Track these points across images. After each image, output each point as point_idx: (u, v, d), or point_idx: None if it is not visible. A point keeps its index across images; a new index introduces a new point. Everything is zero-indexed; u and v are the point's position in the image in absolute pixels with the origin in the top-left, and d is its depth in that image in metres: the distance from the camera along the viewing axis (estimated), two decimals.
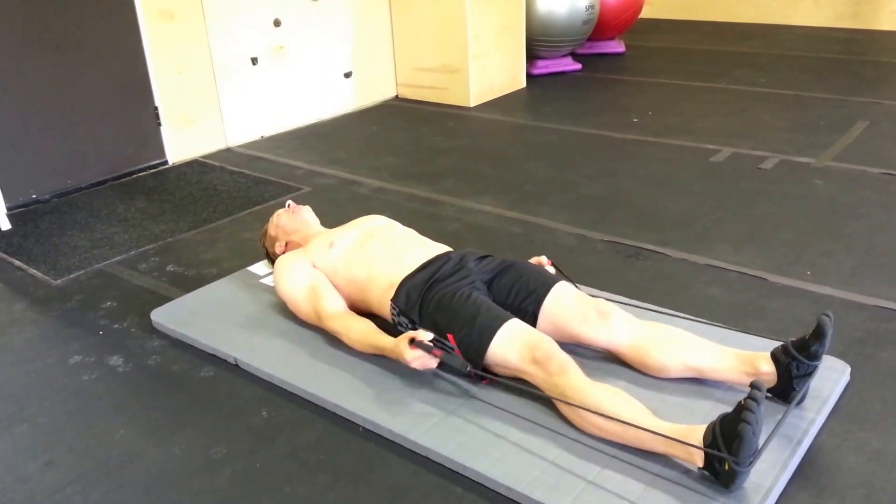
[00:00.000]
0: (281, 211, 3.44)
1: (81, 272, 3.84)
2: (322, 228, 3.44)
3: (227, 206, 4.55)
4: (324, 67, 6.19)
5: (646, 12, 8.61)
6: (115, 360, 3.09)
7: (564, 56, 7.19)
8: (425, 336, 2.62)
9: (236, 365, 2.99)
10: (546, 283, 2.81)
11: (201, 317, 3.28)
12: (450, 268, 2.88)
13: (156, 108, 5.19)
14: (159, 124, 5.23)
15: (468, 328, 2.63)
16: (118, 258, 3.96)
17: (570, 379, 2.42)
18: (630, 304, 2.99)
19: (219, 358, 3.04)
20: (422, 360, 2.62)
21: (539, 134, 5.57)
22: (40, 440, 2.68)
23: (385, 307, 2.92)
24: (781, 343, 2.47)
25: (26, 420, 2.78)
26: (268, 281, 3.50)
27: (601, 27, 7.26)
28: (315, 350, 2.99)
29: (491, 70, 6.43)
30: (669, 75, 6.86)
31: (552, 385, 2.45)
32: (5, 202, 4.48)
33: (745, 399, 2.10)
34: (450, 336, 2.67)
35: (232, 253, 3.96)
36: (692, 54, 7.60)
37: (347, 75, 6.36)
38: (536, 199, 4.40)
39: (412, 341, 2.60)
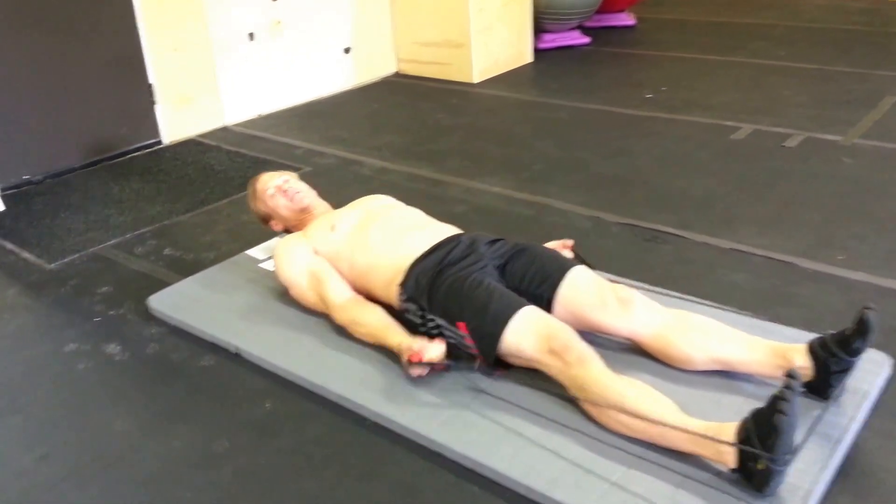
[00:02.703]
0: (273, 186, 3.21)
1: (76, 256, 3.70)
2: (323, 207, 3.27)
3: (224, 187, 4.40)
4: (322, 43, 6.02)
5: None
6: (112, 348, 2.97)
7: (572, 29, 7.01)
8: (434, 352, 2.51)
9: (237, 354, 2.86)
10: (561, 268, 2.67)
11: (200, 303, 3.15)
12: (460, 252, 2.74)
13: (150, 86, 5.04)
14: (154, 103, 5.08)
15: (480, 316, 2.49)
16: (113, 241, 3.82)
17: (591, 371, 2.29)
18: (651, 291, 2.84)
19: (219, 346, 2.91)
20: (421, 374, 2.55)
21: (547, 111, 5.41)
22: (35, 432, 2.56)
23: (391, 292, 2.79)
24: (818, 336, 2.33)
25: (20, 411, 2.66)
26: (268, 266, 3.36)
27: None
28: (320, 338, 2.86)
29: (495, 44, 6.26)
30: (683, 48, 6.68)
31: (571, 377, 2.32)
32: None
33: (779, 389, 1.97)
34: (461, 324, 2.54)
35: (230, 236, 3.82)
36: (705, 27, 7.42)
37: (347, 51, 6.20)
38: (547, 180, 4.26)
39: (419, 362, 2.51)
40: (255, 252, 3.51)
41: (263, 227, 3.33)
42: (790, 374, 1.98)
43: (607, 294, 2.58)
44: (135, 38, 4.90)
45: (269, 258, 3.38)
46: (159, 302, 3.18)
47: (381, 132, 5.23)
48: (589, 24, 7.31)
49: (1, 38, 4.39)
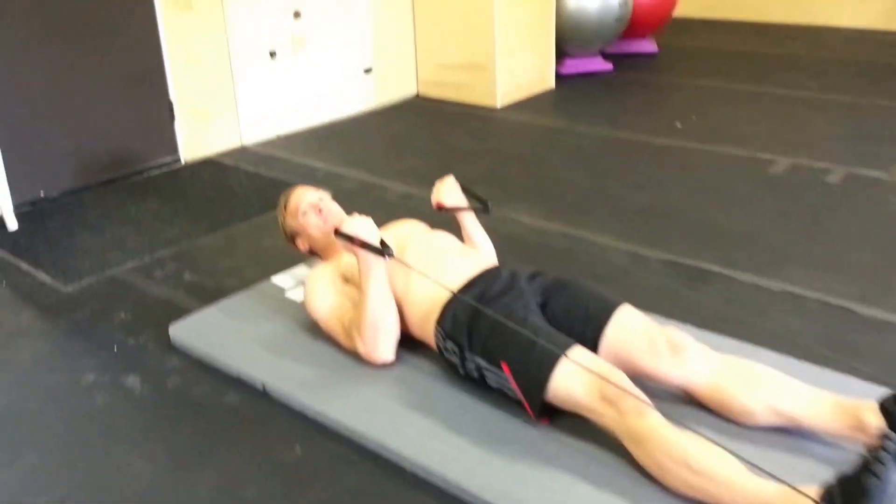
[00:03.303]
0: (307, 202, 3.04)
1: (93, 278, 3.56)
2: None
3: (244, 209, 4.26)
4: (343, 62, 5.90)
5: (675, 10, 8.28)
6: (132, 381, 2.82)
7: (594, 55, 6.89)
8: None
9: (264, 391, 2.71)
10: (607, 307, 2.53)
11: (224, 333, 3.01)
12: (500, 286, 2.60)
13: (170, 103, 4.90)
14: (173, 119, 4.94)
15: (525, 356, 2.34)
16: (131, 264, 3.68)
17: (649, 422, 2.13)
18: (700, 333, 2.68)
19: (244, 381, 2.76)
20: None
21: (574, 138, 5.28)
22: (52, 472, 2.41)
23: (427, 329, 2.65)
24: (891, 393, 2.17)
25: (36, 447, 2.52)
26: (294, 295, 3.22)
27: (632, 25, 6.95)
28: (354, 377, 2.71)
29: (519, 68, 6.14)
30: (708, 77, 6.55)
31: (626, 428, 2.16)
32: (13, 200, 4.18)
33: (873, 449, 1.81)
34: (504, 365, 2.39)
35: (252, 261, 3.68)
36: (729, 55, 7.29)
37: (367, 71, 6.07)
38: (579, 210, 4.12)
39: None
40: (281, 280, 3.37)
41: (287, 244, 3.15)
42: (888, 437, 1.82)
43: (657, 338, 2.43)
44: (157, 52, 4.78)
45: (297, 287, 3.24)
46: (181, 331, 3.04)
47: (404, 156, 5.10)
48: (610, 50, 7.20)
49: (19, 51, 4.27)
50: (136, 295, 3.42)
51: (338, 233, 2.58)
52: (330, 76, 5.81)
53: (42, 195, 4.45)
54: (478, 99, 6.11)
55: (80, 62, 4.51)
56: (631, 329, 2.47)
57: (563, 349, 2.30)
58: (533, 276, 2.69)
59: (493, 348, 2.43)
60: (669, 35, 7.73)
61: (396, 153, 5.18)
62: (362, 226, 2.60)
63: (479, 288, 2.60)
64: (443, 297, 2.61)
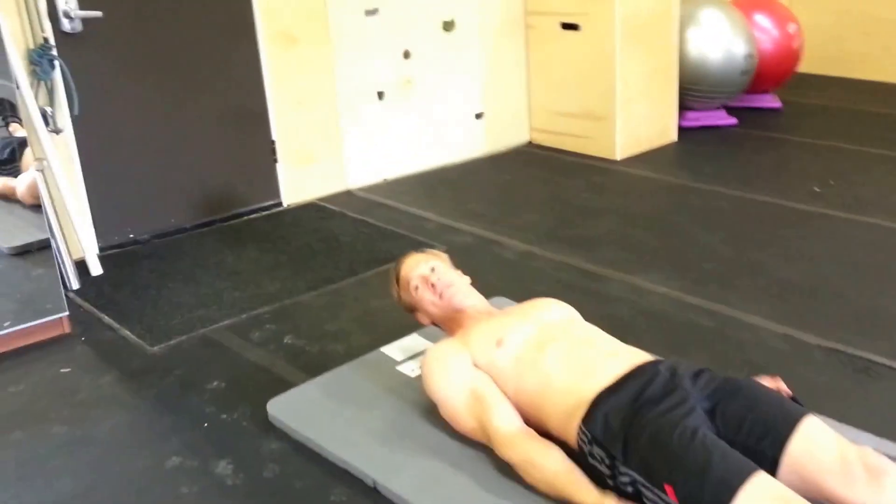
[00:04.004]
0: (418, 276, 2.66)
1: (183, 338, 3.22)
2: (479, 302, 2.71)
3: (350, 262, 3.89)
4: (453, 106, 5.53)
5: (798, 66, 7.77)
6: (223, 467, 2.45)
7: (717, 108, 6.43)
8: None
9: (375, 488, 2.32)
10: (789, 418, 2.08)
11: (330, 415, 2.62)
12: (660, 386, 2.17)
13: (273, 143, 4.58)
14: (276, 161, 4.61)
15: (696, 481, 1.92)
16: (227, 322, 3.34)
17: None
18: (880, 442, 2.22)
19: (353, 475, 2.37)
20: None
21: (704, 198, 4.82)
22: None
23: (568, 430, 2.23)
24: None
25: None
26: (407, 369, 2.83)
27: (756, 78, 6.48)
28: (480, 477, 2.30)
29: (639, 119, 5.70)
30: (839, 138, 6.01)
31: None
32: (98, 242, 3.87)
33: None
34: (668, 487, 1.96)
35: (360, 325, 3.31)
36: (859, 115, 6.74)
37: (479, 116, 5.70)
38: (721, 282, 3.66)
39: None
40: (392, 351, 2.98)
41: (407, 314, 2.77)
42: None
43: (852, 459, 1.97)
44: (259, 90, 4.48)
45: (410, 359, 2.85)
46: (281, 409, 2.67)
47: (521, 209, 4.70)
48: (732, 104, 6.73)
49: (115, 81, 3.99)
50: (231, 360, 3.06)
51: None
52: (439, 119, 5.45)
53: (131, 237, 4.12)
54: (595, 150, 5.68)
55: (179, 97, 4.22)
56: (820, 446, 2.02)
57: (743, 476, 1.88)
58: (697, 374, 2.25)
59: (655, 466, 2.01)
60: (793, 91, 7.21)
61: (512, 206, 4.78)
62: None
63: (635, 386, 2.18)
64: (589, 393, 2.20)
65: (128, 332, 3.25)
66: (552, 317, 2.55)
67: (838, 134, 6.11)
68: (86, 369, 3.03)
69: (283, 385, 2.81)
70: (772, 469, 2.00)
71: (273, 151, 4.59)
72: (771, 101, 6.96)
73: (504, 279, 3.62)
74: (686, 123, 6.28)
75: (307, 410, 2.65)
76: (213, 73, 4.31)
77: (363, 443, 2.47)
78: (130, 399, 2.84)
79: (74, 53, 3.80)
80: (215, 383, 2.90)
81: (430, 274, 2.65)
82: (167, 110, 4.19)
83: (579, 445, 2.21)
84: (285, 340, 3.19)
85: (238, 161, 4.50)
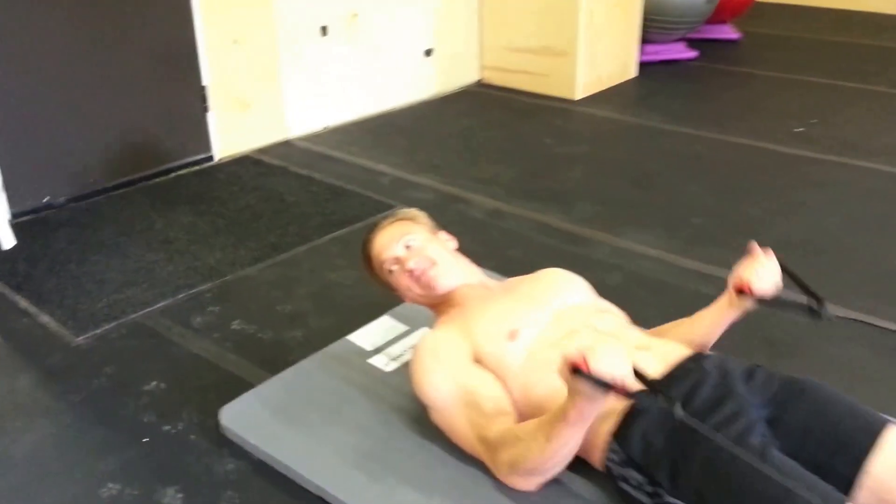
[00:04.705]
0: (392, 259, 2.20)
1: (112, 325, 2.75)
2: (474, 276, 2.26)
3: (299, 226, 3.44)
4: (401, 42, 5.04)
5: None
6: (171, 497, 2.03)
7: (677, 41, 6.03)
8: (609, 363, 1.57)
9: None
10: (867, 429, 1.72)
11: (296, 426, 2.20)
12: (709, 391, 1.79)
13: (203, 88, 4.05)
14: (206, 109, 4.09)
15: None
16: (161, 304, 2.86)
17: None
18: None
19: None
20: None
21: (677, 142, 4.44)
22: None
23: (590, 446, 1.85)
24: None
25: None
26: (380, 363, 2.42)
27: (716, 8, 6.09)
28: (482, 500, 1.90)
29: (602, 55, 5.28)
30: (808, 72, 5.66)
31: None
32: (11, 208, 3.36)
33: None
34: None
35: (318, 304, 2.88)
36: (822, 46, 6.41)
37: (428, 53, 5.22)
38: (714, 241, 3.31)
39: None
40: (361, 339, 2.55)
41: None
42: None
43: None
44: (189, 26, 3.93)
45: (383, 348, 2.44)
46: (235, 418, 2.24)
47: (481, 159, 4.27)
48: (691, 35, 6.34)
49: (21, 25, 3.43)
50: (170, 353, 2.61)
51: (576, 371, 1.60)
52: (386, 57, 4.96)
53: (46, 201, 3.60)
54: (552, 89, 5.26)
55: (95, 39, 3.66)
56: None
57: None
58: (750, 374, 1.88)
59: (715, 499, 1.65)
60: (749, 22, 6.84)
61: (470, 155, 4.34)
62: (620, 366, 1.59)
63: (678, 392, 1.79)
64: (616, 404, 1.79)
65: (47, 318, 2.77)
66: (566, 301, 2.13)
67: (806, 67, 5.79)
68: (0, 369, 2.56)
69: (234, 384, 2.39)
70: (846, 490, 1.66)
71: (203, 98, 4.07)
72: (729, 31, 6.64)
73: (475, 243, 3.18)
74: (645, 58, 5.91)
75: (266, 420, 2.22)
76: (135, 8, 3.75)
77: (338, 460, 2.06)
78: (54, 406, 2.38)
79: None
80: (153, 384, 2.45)
81: (406, 254, 2.20)
82: (85, 55, 3.64)
83: (606, 466, 1.83)
84: (233, 326, 2.74)
85: (165, 109, 3.97)
